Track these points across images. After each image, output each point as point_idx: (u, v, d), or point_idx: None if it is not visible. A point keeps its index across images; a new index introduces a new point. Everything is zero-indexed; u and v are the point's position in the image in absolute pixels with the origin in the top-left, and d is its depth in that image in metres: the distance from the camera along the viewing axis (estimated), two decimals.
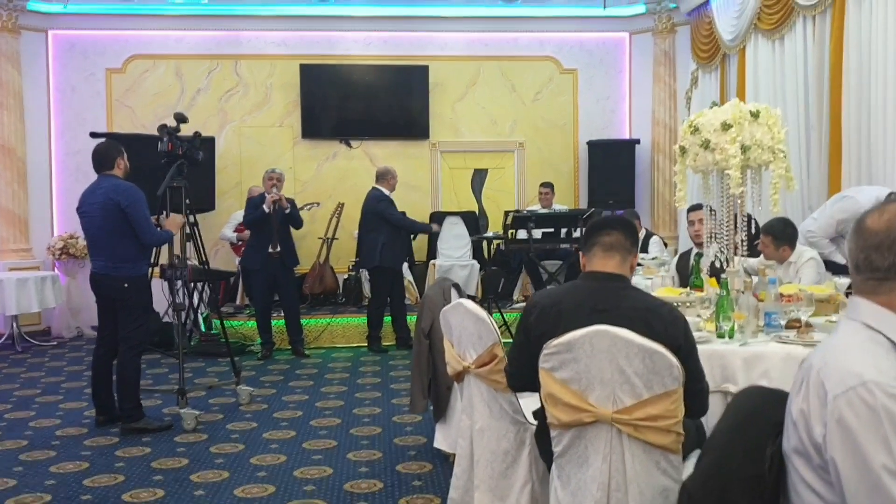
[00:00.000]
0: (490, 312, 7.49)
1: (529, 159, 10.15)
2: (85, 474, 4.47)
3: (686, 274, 5.03)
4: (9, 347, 8.42)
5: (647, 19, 9.90)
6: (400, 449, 4.86)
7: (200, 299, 8.47)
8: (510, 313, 8.36)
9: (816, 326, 3.50)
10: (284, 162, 9.58)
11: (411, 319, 7.86)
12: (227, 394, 6.24)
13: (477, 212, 10.05)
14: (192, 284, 7.37)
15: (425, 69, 9.81)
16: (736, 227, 3.97)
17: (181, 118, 5.76)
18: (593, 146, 9.93)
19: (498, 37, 10.02)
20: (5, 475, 4.46)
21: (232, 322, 8.15)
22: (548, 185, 9.38)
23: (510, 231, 8.18)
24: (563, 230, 8.53)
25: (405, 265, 8.69)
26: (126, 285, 5.23)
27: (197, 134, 5.96)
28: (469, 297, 6.40)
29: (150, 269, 5.63)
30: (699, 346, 2.77)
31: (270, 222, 7.59)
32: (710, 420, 3.04)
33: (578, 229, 8.18)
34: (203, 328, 8.33)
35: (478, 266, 9.28)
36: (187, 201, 5.68)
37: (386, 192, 8.04)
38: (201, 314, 8.40)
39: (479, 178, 10.21)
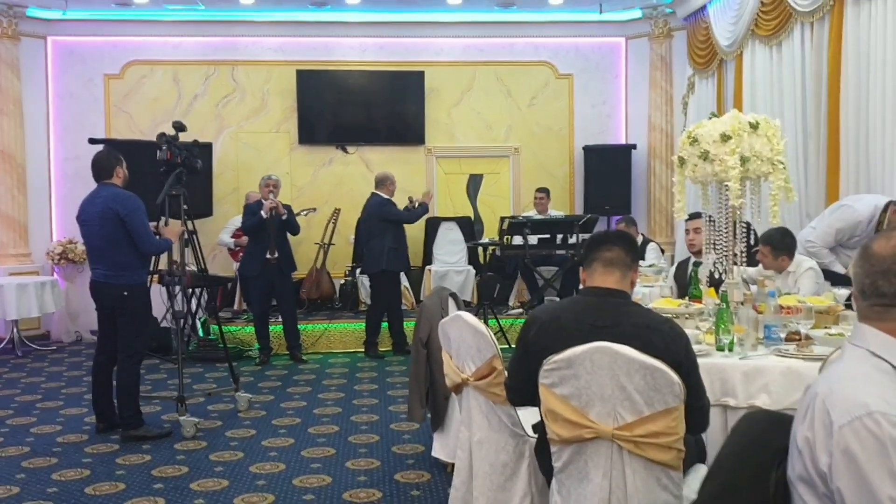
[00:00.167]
0: (485, 319, 7.55)
1: (525, 164, 10.16)
2: (86, 482, 4.48)
3: (684, 283, 5.00)
4: (9, 352, 8.45)
5: (643, 24, 9.90)
6: (398, 457, 4.87)
7: (199, 304, 8.48)
8: (506, 319, 8.35)
9: (816, 339, 3.49)
10: (281, 167, 9.60)
11: (408, 326, 7.89)
12: (225, 400, 6.25)
13: (472, 217, 10.05)
14: (191, 290, 7.37)
15: (421, 75, 9.82)
16: (735, 237, 3.97)
17: (180, 127, 5.79)
18: (589, 151, 9.91)
19: (493, 42, 10.02)
20: (9, 482, 4.49)
21: (230, 327, 8.16)
22: (543, 191, 9.34)
23: (506, 237, 8.19)
24: (559, 236, 8.54)
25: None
26: (126, 293, 5.25)
27: (195, 142, 5.97)
28: (464, 302, 6.41)
29: (150, 276, 5.65)
30: (699, 360, 2.76)
31: (268, 228, 7.61)
32: (710, 434, 3.06)
33: (574, 235, 8.19)
34: (201, 333, 8.35)
35: (473, 272, 9.29)
36: (185, 208, 5.71)
37: (386, 197, 8.05)
38: (199, 319, 8.41)
39: (474, 183, 10.20)
